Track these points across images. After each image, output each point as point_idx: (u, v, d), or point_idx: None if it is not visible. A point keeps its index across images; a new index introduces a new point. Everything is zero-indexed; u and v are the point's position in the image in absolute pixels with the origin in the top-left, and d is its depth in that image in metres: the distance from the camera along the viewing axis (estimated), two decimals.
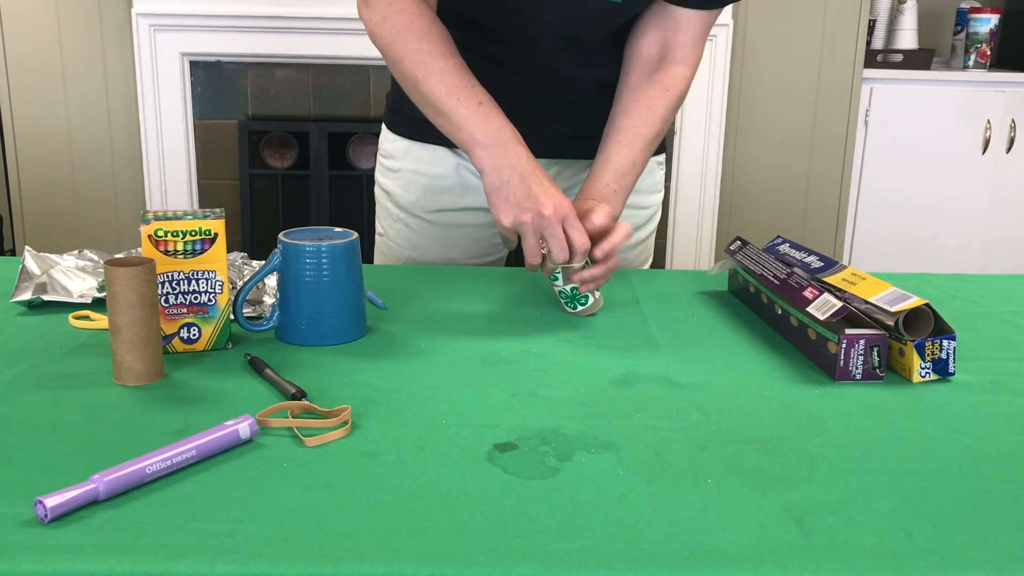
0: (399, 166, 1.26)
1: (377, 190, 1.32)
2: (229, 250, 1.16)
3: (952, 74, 2.95)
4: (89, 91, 2.82)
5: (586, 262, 0.98)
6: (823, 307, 0.86)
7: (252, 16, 2.69)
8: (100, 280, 1.05)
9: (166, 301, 0.86)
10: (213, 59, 2.78)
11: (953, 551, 0.56)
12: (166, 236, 0.85)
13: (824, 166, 2.99)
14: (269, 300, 1.00)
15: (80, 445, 0.68)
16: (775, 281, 0.97)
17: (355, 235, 0.92)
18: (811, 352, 0.89)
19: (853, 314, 0.86)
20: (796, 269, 0.98)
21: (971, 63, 3.06)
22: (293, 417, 0.73)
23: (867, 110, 2.95)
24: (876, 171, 3.00)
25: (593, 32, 1.13)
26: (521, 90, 1.15)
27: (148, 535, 0.56)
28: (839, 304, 0.84)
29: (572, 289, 1.00)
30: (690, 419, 0.75)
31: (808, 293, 0.90)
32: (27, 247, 1.09)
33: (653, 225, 1.34)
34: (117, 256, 0.98)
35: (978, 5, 3.13)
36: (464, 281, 1.14)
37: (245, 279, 1.00)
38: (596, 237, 0.99)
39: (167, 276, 0.85)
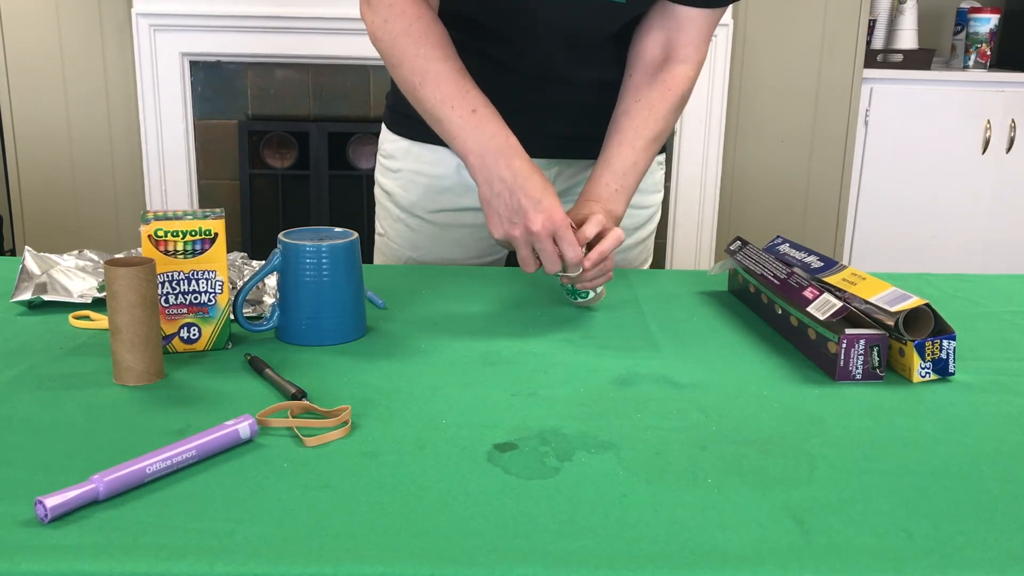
0: (399, 166, 1.26)
1: (377, 190, 1.32)
2: (229, 250, 1.16)
3: (952, 74, 2.95)
4: (89, 91, 2.82)
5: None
6: (823, 307, 0.86)
7: (252, 16, 2.69)
8: (100, 280, 1.05)
9: (166, 301, 0.86)
10: (213, 59, 2.78)
11: (953, 551, 0.56)
12: (166, 236, 0.85)
13: (824, 166, 2.99)
14: (269, 300, 1.00)
15: (80, 445, 0.68)
16: (775, 281, 0.97)
17: (355, 235, 0.92)
18: (811, 352, 0.89)
19: (853, 314, 0.86)
20: (796, 269, 0.98)
21: (971, 63, 3.06)
22: (293, 417, 0.73)
23: (867, 110, 2.95)
24: (876, 171, 3.00)
25: (593, 32, 1.13)
26: (521, 90, 1.15)
27: (148, 535, 0.56)
28: (839, 304, 0.84)
29: (572, 284, 1.00)
30: (690, 419, 0.75)
31: (808, 293, 0.90)
32: (27, 247, 1.09)
33: (653, 225, 1.34)
34: (117, 256, 0.98)
35: (978, 5, 3.13)
36: (464, 281, 1.14)
37: (245, 279, 1.00)
38: (592, 244, 1.00)
39: (167, 276, 0.85)
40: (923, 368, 0.84)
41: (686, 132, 2.90)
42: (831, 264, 0.98)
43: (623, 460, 0.67)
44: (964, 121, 2.95)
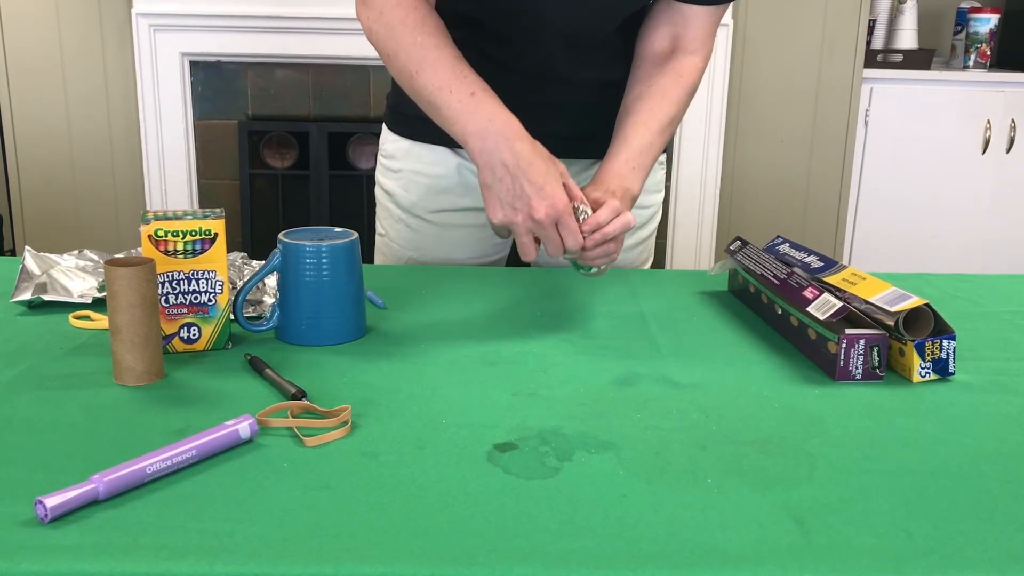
0: (400, 166, 1.26)
1: (378, 190, 1.32)
2: (229, 250, 1.16)
3: (952, 74, 2.95)
4: (89, 91, 2.82)
5: None
6: (823, 307, 0.86)
7: (252, 16, 2.69)
8: (100, 280, 1.05)
9: (166, 301, 0.86)
10: (213, 59, 2.78)
11: (953, 551, 0.56)
12: (166, 236, 0.85)
13: (824, 166, 2.99)
14: (269, 300, 1.00)
15: (80, 445, 0.68)
16: (775, 281, 0.97)
17: (355, 235, 0.92)
18: (811, 352, 0.89)
19: (853, 314, 0.86)
20: (796, 269, 0.98)
21: (971, 63, 3.06)
22: (293, 417, 0.73)
23: (867, 110, 2.95)
24: (876, 171, 2.99)
25: (594, 32, 1.13)
26: (521, 90, 1.15)
27: (148, 535, 0.56)
28: (839, 304, 0.84)
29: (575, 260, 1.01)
30: (690, 419, 0.75)
31: (808, 293, 0.90)
32: (27, 247, 1.09)
33: (653, 225, 1.34)
34: (117, 256, 0.98)
35: (978, 5, 3.13)
36: (464, 281, 1.14)
37: (245, 279, 1.00)
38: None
39: (167, 276, 0.85)
40: (923, 368, 0.84)
41: (686, 132, 2.90)
42: (831, 264, 0.98)
43: (623, 460, 0.67)
44: (964, 121, 2.95)
